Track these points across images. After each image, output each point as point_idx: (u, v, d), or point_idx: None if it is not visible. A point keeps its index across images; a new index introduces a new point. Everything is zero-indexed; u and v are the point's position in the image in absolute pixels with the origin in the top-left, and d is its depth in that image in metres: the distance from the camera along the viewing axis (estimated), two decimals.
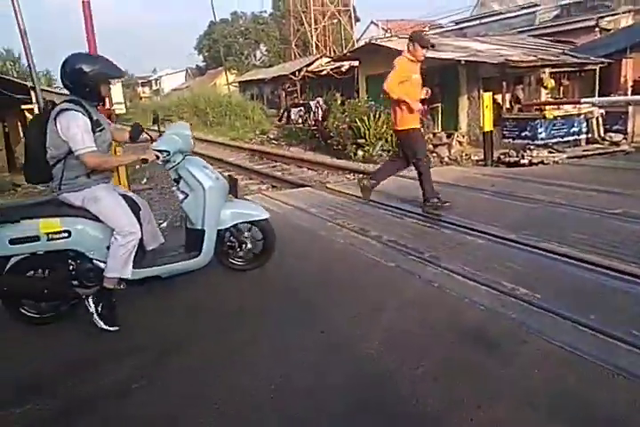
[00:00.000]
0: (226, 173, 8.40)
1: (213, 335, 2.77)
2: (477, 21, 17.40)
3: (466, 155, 10.21)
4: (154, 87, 53.95)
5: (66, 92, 2.96)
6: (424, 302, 2.99)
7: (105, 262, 2.91)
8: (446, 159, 10.21)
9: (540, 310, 2.74)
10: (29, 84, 12.44)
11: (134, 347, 2.69)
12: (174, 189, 3.35)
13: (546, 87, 10.28)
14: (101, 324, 2.86)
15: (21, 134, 15.66)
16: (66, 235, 2.85)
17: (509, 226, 4.25)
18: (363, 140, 11.94)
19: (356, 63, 16.24)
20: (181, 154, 3.22)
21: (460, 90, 11.93)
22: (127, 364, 2.53)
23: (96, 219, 2.91)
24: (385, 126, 11.91)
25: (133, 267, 2.96)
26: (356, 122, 12.14)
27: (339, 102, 14.83)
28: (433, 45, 5.16)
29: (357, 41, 30.62)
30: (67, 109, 2.78)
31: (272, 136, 17.51)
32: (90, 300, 2.93)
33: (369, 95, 14.54)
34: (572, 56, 11.08)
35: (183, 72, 55.20)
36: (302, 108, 17.71)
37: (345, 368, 2.36)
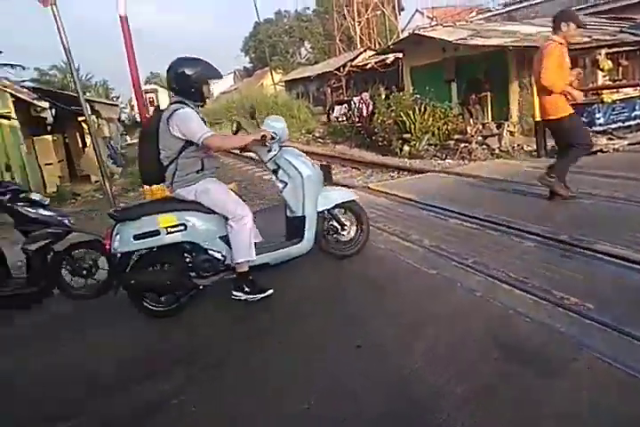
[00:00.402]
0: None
1: (243, 348, 2.76)
2: (527, 2, 16.54)
3: (518, 145, 9.76)
4: None
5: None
6: (466, 313, 2.83)
7: (219, 252, 3.23)
8: (497, 151, 9.79)
9: (593, 323, 2.52)
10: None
11: (177, 362, 2.73)
12: (273, 179, 3.59)
13: (602, 69, 9.62)
14: (258, 296, 3.23)
15: (80, 145, 16.57)
16: (182, 228, 3.14)
17: (561, 225, 3.98)
18: (408, 135, 11.69)
19: (400, 55, 15.90)
20: (278, 144, 3.45)
21: (510, 77, 11.40)
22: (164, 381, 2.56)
23: (207, 211, 3.19)
24: (431, 119, 11.60)
25: None
26: (401, 116, 11.89)
27: (383, 97, 14.58)
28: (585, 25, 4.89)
29: (402, 31, 29.98)
30: (177, 109, 3.07)
31: (317, 135, 17.51)
32: (235, 294, 3.24)
33: (414, 87, 14.21)
34: (631, 34, 10.30)
35: (231, 75, 56.25)
36: (346, 104, 17.57)
37: (382, 389, 2.27)
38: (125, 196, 10.34)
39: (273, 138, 3.26)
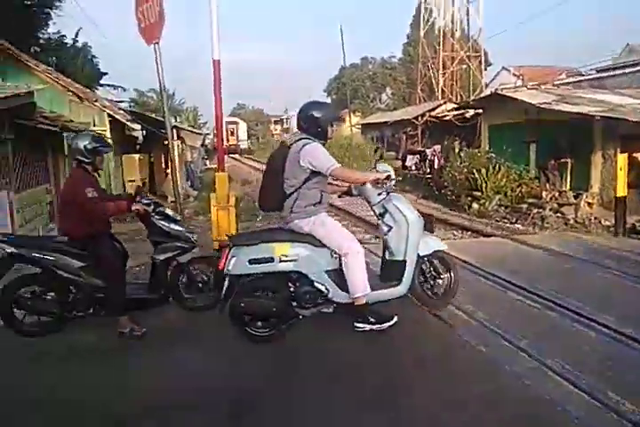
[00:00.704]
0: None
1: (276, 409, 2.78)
2: (620, 71, 16.14)
3: (595, 218, 9.32)
4: (284, 125, 57.65)
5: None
6: (509, 402, 2.71)
7: (323, 285, 3.43)
8: (572, 221, 9.40)
9: None
10: (173, 122, 14.08)
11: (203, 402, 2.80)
12: (379, 222, 3.78)
13: None
14: (384, 325, 3.51)
15: (163, 165, 17.68)
16: (295, 258, 3.40)
17: (629, 317, 3.76)
18: (479, 193, 11.51)
19: (480, 110, 15.89)
20: (387, 189, 3.67)
21: (594, 146, 11.04)
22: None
23: (318, 245, 3.43)
24: (505, 180, 11.39)
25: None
26: (473, 173, 11.77)
27: (457, 150, 14.54)
28: None
29: (486, 86, 30.05)
30: (308, 143, 3.40)
31: None
32: (358, 325, 3.51)
33: (491, 145, 14.08)
34: None
35: None
36: (418, 155, 17.65)
37: None
38: (196, 219, 10.80)
39: (388, 178, 3.51)
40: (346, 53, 31.23)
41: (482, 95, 19.93)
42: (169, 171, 15.25)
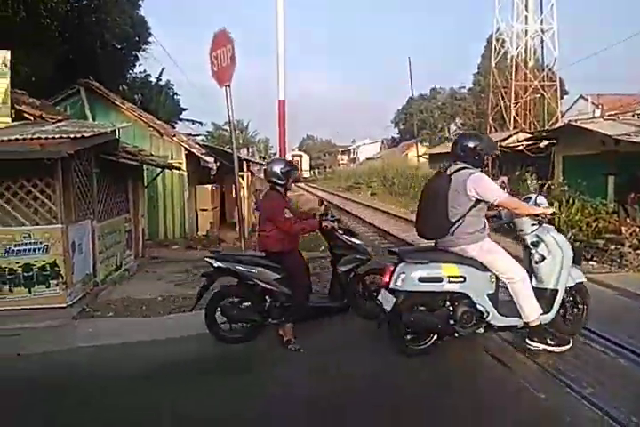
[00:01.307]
0: None
1: None
2: None
3: None
4: (351, 156, 58.48)
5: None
6: None
7: (484, 307, 3.61)
8: None
9: None
10: (242, 155, 14.77)
11: None
12: (533, 251, 3.89)
13: None
14: (562, 348, 3.71)
15: (234, 195, 18.46)
16: (462, 279, 3.61)
17: None
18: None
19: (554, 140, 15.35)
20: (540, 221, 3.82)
21: None
22: None
23: (482, 268, 3.60)
24: (579, 214, 10.84)
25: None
26: None
27: (529, 182, 14.06)
28: None
29: (563, 115, 29.05)
30: (473, 173, 3.58)
31: None
32: (532, 344, 3.72)
33: (565, 177, 13.54)
34: None
35: (378, 143, 58.90)
36: None
37: None
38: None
39: (548, 214, 3.74)
40: (413, 85, 31.59)
41: (556, 126, 19.29)
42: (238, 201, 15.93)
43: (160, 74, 21.08)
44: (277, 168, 4.25)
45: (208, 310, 4.22)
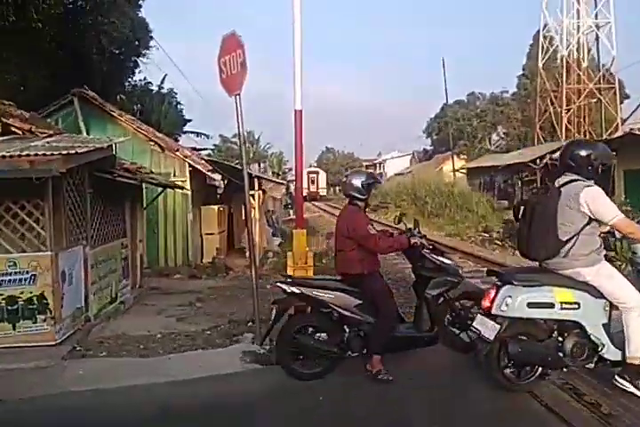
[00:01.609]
0: None
1: None
2: None
3: None
4: (377, 170, 58.68)
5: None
6: None
7: (599, 339, 3.52)
8: None
9: None
10: (252, 171, 14.90)
11: None
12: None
13: None
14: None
15: (243, 217, 18.56)
16: (576, 306, 3.55)
17: None
18: (612, 253, 10.82)
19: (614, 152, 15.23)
20: None
21: None
22: None
23: (596, 295, 3.54)
24: None
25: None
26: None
27: None
28: None
29: (623, 123, 28.78)
30: (588, 186, 3.56)
31: (496, 235, 17.04)
32: (620, 382, 3.55)
33: (627, 194, 13.36)
34: None
35: (408, 156, 59.10)
36: None
37: None
38: (275, 277, 11.08)
39: None
40: (448, 89, 31.71)
41: (616, 135, 19.12)
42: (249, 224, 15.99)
43: (162, 81, 21.67)
44: (358, 181, 4.34)
45: (279, 342, 4.24)
